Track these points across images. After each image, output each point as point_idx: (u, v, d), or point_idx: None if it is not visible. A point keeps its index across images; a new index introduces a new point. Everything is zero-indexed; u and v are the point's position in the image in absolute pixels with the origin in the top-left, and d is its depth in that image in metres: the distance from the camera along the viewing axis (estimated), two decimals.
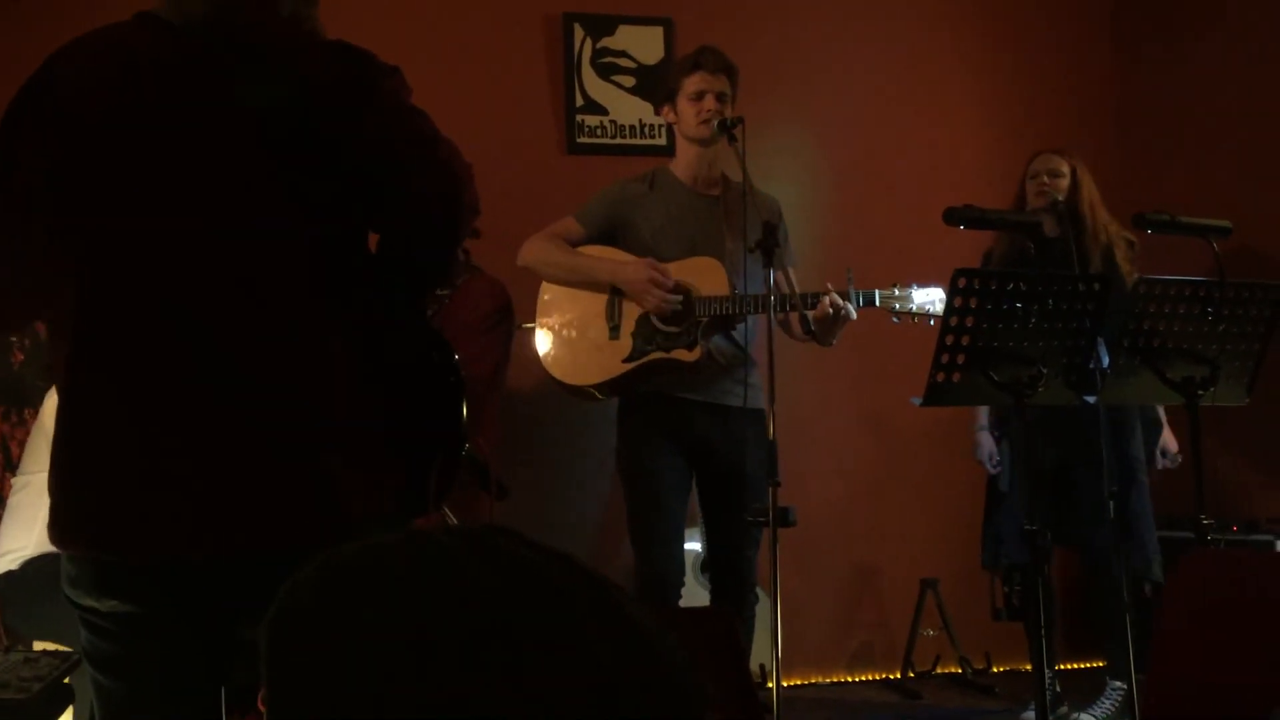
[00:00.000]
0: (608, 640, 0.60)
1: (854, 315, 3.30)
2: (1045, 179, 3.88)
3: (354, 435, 1.59)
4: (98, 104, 1.59)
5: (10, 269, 1.66)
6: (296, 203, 1.60)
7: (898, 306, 3.39)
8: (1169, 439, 3.99)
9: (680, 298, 3.37)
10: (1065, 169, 3.89)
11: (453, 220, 1.65)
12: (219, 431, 1.53)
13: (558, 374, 3.52)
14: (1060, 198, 3.79)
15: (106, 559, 1.55)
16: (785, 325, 3.52)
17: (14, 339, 4.18)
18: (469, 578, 0.61)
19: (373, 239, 1.71)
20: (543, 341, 3.57)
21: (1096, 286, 2.86)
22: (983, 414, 4.10)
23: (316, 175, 1.59)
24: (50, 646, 2.63)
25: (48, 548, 2.90)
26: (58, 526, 1.58)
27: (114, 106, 1.59)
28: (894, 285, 3.39)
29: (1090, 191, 3.88)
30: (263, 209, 1.58)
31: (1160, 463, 3.98)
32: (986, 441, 4.07)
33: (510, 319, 3.66)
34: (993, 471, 4.05)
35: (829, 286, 3.30)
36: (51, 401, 3.01)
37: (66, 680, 2.35)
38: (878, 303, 3.38)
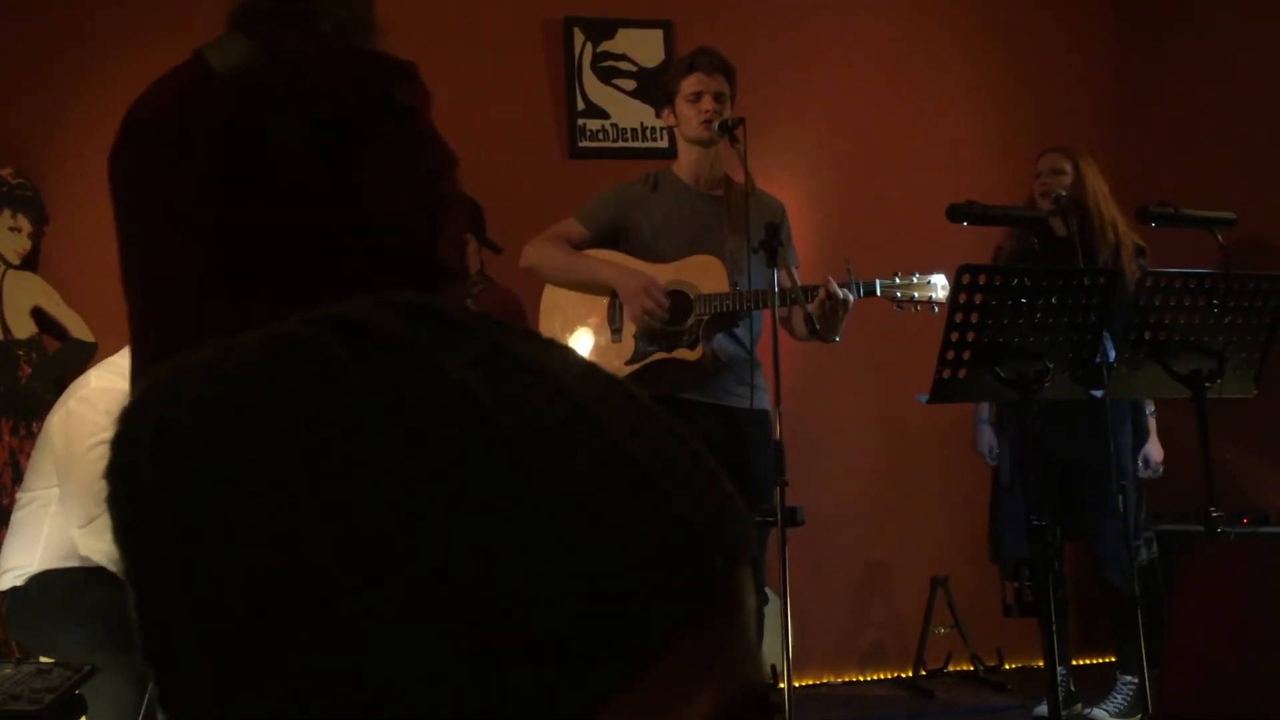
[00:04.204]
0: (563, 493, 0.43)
1: (851, 302, 3.25)
2: (1047, 179, 3.86)
3: None
4: None
5: None
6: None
7: (899, 295, 3.35)
8: (1154, 448, 3.95)
9: (667, 317, 3.34)
10: (1067, 166, 3.87)
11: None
12: None
13: None
14: (1063, 193, 3.76)
15: None
16: (788, 325, 3.45)
17: (20, 353, 4.19)
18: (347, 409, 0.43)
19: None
20: None
21: (1102, 281, 2.86)
22: (984, 407, 4.10)
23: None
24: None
25: (52, 564, 2.93)
26: None
27: None
28: (895, 274, 3.37)
29: (1095, 185, 3.86)
30: None
31: (1143, 472, 3.95)
32: (986, 434, 4.08)
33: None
34: (991, 464, 4.05)
35: (828, 278, 3.28)
36: (56, 416, 2.99)
37: (78, 692, 2.35)
38: (878, 292, 3.34)
